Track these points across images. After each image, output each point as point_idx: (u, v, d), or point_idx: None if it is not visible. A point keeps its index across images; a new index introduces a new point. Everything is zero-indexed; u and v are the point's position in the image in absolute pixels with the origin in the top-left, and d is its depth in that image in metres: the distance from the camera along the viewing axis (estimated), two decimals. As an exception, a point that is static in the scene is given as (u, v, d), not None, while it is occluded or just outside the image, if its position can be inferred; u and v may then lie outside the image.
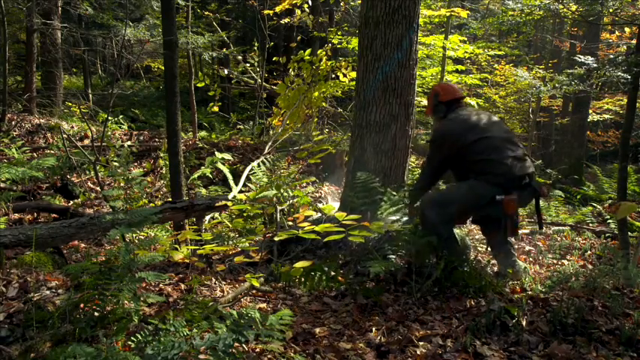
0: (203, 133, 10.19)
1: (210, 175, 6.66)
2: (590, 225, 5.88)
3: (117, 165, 6.18)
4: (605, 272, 3.81)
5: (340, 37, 9.02)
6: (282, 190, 4.01)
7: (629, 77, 3.88)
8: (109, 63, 16.53)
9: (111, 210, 3.95)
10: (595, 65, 4.35)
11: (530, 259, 4.35)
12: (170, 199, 4.50)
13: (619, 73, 4.21)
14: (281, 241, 3.63)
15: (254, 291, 3.06)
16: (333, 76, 7.72)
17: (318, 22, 10.13)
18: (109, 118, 7.93)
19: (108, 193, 3.16)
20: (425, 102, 8.20)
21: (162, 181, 6.85)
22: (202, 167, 6.58)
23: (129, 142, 8.09)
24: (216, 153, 6.27)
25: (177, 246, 2.88)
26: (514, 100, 10.07)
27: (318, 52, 7.54)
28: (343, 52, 9.61)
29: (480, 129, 3.49)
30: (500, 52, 9.53)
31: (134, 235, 4.04)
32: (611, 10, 4.85)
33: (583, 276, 3.79)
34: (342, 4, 8.45)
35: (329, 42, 8.62)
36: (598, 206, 6.30)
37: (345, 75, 7.43)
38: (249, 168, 5.68)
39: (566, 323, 2.62)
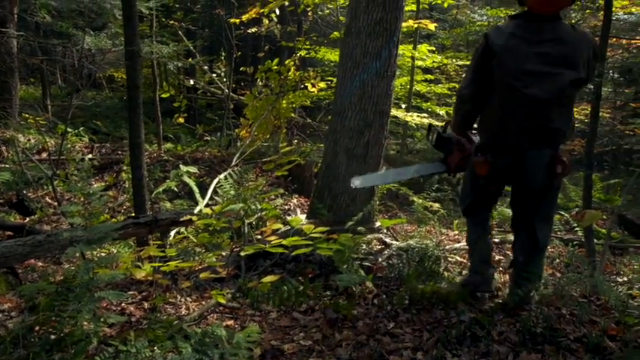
0: (169, 145, 10.07)
1: (176, 189, 6.58)
2: (559, 233, 6.03)
3: (76, 179, 6.05)
4: (573, 280, 3.90)
5: (309, 46, 9.08)
6: (249, 203, 3.99)
7: (591, 87, 4.02)
8: (70, 73, 16.21)
9: (69, 227, 3.85)
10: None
11: (500, 268, 4.43)
12: (133, 214, 4.43)
13: (582, 83, 4.34)
14: (249, 256, 3.60)
15: (221, 307, 3.03)
16: (302, 86, 7.75)
17: (287, 31, 10.19)
18: (69, 130, 7.77)
19: (66, 209, 3.08)
20: (398, 113, 8.29)
21: (125, 195, 6.73)
22: (167, 180, 6.50)
23: (90, 155, 7.93)
24: (181, 166, 6.20)
25: (139, 263, 2.84)
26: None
27: (287, 62, 7.57)
28: (312, 62, 9.66)
29: None
30: (467, 62, 9.74)
31: (95, 253, 3.95)
32: (575, 19, 5.02)
33: (552, 284, 3.88)
34: (309, 13, 8.52)
35: (297, 52, 8.67)
36: (566, 214, 6.46)
37: (313, 85, 7.47)
38: (216, 181, 5.63)
39: (535, 333, 2.67)
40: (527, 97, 2.66)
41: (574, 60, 2.67)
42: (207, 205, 5.25)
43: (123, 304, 3.03)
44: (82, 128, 9.98)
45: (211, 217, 3.23)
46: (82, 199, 5.04)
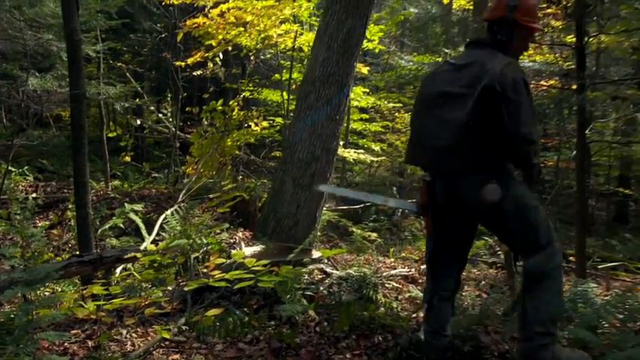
0: (116, 183, 9.73)
1: (122, 226, 6.34)
2: (484, 257, 6.24)
3: (19, 219, 5.72)
4: (497, 300, 4.04)
5: (252, 88, 9.14)
6: (195, 238, 3.90)
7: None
8: (15, 113, 15.49)
9: (9, 268, 3.62)
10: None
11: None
12: (78, 253, 4.23)
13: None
14: (195, 289, 3.50)
15: (167, 342, 2.91)
16: (246, 125, 7.76)
17: (231, 73, 10.22)
18: (12, 169, 7.37)
19: (4, 250, 2.91)
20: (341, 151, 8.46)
21: (70, 234, 6.41)
22: (113, 218, 6.26)
23: (34, 194, 7.54)
24: (126, 204, 6.01)
25: (82, 302, 2.70)
26: (414, 145, 10.59)
27: (231, 102, 7.58)
28: (255, 103, 9.71)
29: None
30: (398, 105, 10.13)
31: (38, 293, 3.73)
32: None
33: (479, 305, 3.99)
34: (252, 58, 8.61)
35: (241, 93, 8.71)
36: (489, 240, 6.71)
37: (256, 124, 7.50)
38: (162, 217, 5.48)
39: (463, 351, 2.72)
40: None
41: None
42: (153, 241, 5.09)
43: (66, 344, 2.85)
44: (26, 167, 9.49)
45: (156, 253, 3.14)
46: (23, 239, 4.77)
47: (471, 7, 9.33)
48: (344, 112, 4.96)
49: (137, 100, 10.16)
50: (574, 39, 4.40)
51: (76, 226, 4.33)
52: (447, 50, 5.43)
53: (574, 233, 5.60)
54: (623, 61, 6.30)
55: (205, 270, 3.68)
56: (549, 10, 4.58)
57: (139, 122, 9.60)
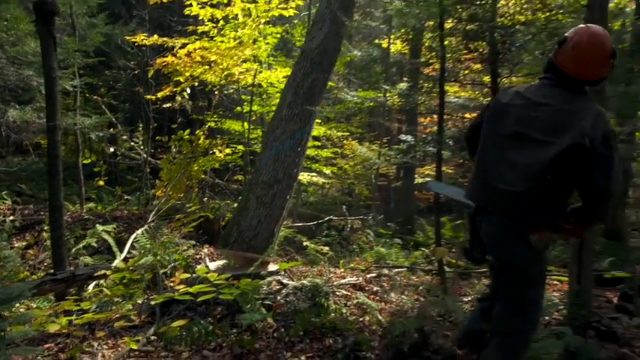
0: (91, 205, 9.34)
1: (95, 245, 6.08)
2: (421, 265, 6.35)
3: (-4, 240, 5.40)
4: (433, 303, 4.12)
5: (216, 119, 9.07)
6: (162, 255, 3.79)
7: (435, 150, 4.40)
8: (-6, 141, 14.69)
9: (-15, 287, 3.40)
10: (413, 142, 4.86)
11: (377, 297, 4.55)
12: (52, 271, 4.02)
13: (429, 148, 4.75)
14: (164, 302, 3.39)
15: (136, 352, 2.80)
16: (211, 152, 7.67)
17: (198, 106, 10.11)
18: (-10, 194, 6.97)
19: (-21, 272, 2.74)
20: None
21: (45, 253, 6.08)
22: (87, 238, 6.01)
23: (11, 217, 7.14)
24: (97, 225, 5.82)
25: (54, 318, 2.57)
26: (361, 169, 10.77)
27: (197, 132, 7.48)
28: (219, 132, 9.63)
29: None
30: (346, 133, 10.32)
31: (13, 310, 3.51)
32: (421, 101, 5.52)
33: (417, 308, 4.05)
34: (216, 92, 8.57)
35: (206, 123, 8.63)
36: (426, 250, 6.85)
37: (220, 151, 7.43)
38: (133, 236, 5.30)
39: (403, 350, 2.76)
40: None
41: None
42: (125, 259, 4.91)
43: (39, 358, 2.70)
44: (5, 192, 8.98)
45: (126, 270, 3.03)
46: None
47: (407, 52, 9.68)
48: (305, 146, 5.30)
49: (111, 129, 9.90)
50: (490, 79, 4.63)
51: (51, 246, 4.12)
52: (386, 87, 5.59)
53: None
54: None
55: (172, 284, 3.58)
56: (468, 56, 4.81)
57: (112, 150, 9.30)
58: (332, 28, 5.32)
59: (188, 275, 2.85)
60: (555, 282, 5.52)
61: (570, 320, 3.32)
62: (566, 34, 2.09)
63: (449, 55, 4.71)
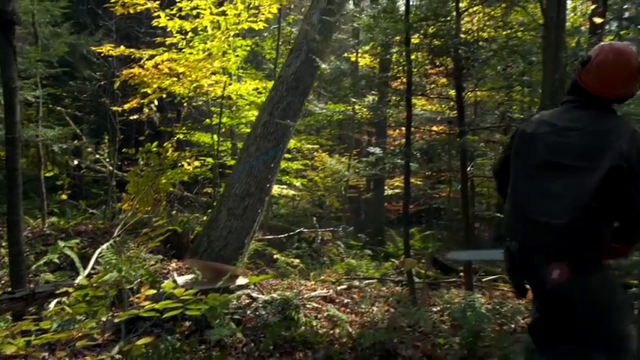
0: (53, 219, 8.99)
1: (57, 261, 5.85)
2: (391, 276, 6.40)
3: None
4: (402, 313, 4.14)
5: (185, 131, 8.95)
6: (128, 270, 3.68)
7: (403, 162, 4.47)
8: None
9: None
10: (381, 154, 4.93)
11: (348, 309, 4.54)
12: (10, 289, 3.83)
13: (398, 160, 4.82)
14: (129, 319, 3.29)
15: (98, 373, 2.69)
16: (180, 164, 7.55)
17: (167, 117, 9.96)
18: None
19: None
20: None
21: (3, 270, 5.80)
22: (48, 254, 5.78)
23: (-34, 233, 6.78)
24: (59, 241, 5.61)
25: (10, 339, 2.44)
26: (331, 181, 10.82)
27: (165, 144, 7.36)
28: (188, 144, 9.50)
29: None
30: (316, 146, 10.37)
31: (-35, 331, 3.31)
32: (390, 114, 5.61)
33: (387, 319, 4.07)
34: (185, 104, 8.48)
35: (175, 135, 8.50)
36: (396, 261, 6.90)
37: (189, 163, 7.32)
38: (98, 251, 5.13)
39: (373, 361, 2.76)
40: None
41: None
42: (89, 275, 4.74)
43: (-7, 382, 2.56)
44: (-41, 207, 8.55)
45: (89, 287, 2.93)
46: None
47: (376, 65, 9.84)
48: (278, 163, 5.54)
49: (76, 141, 9.61)
50: (455, 93, 4.76)
51: (9, 263, 3.94)
52: (355, 100, 5.66)
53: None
54: (492, 112, 6.91)
55: (138, 300, 3.48)
56: (434, 70, 4.94)
57: (76, 162, 9.02)
58: (308, 56, 5.82)
59: (154, 291, 2.78)
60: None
61: (534, 327, 3.40)
62: (589, 53, 2.01)
63: (415, 70, 4.82)
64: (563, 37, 4.11)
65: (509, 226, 2.08)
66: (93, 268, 4.98)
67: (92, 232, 7.32)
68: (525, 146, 2.05)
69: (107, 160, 9.19)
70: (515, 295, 2.10)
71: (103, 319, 3.45)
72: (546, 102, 3.81)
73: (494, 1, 4.62)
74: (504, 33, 4.64)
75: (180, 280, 4.00)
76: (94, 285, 2.80)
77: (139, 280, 4.17)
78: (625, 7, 9.38)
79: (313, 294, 4.73)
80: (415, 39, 4.73)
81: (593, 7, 6.37)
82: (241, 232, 4.87)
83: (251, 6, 6.48)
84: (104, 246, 5.24)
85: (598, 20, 6.10)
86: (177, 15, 6.57)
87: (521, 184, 2.02)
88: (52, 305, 4.06)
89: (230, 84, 7.89)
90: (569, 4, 7.38)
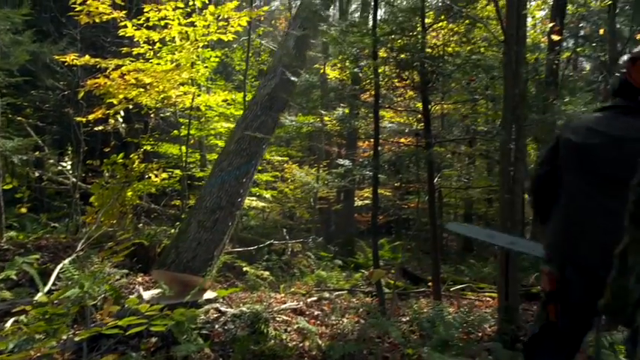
0: (12, 234, 8.61)
1: (16, 277, 5.59)
2: (361, 287, 6.41)
3: None
4: (372, 325, 4.15)
5: (152, 142, 8.79)
6: (91, 286, 3.56)
7: (371, 174, 4.51)
8: None
9: None
10: (350, 166, 4.97)
11: (318, 321, 4.52)
12: (-38, 308, 3.63)
13: (366, 172, 4.87)
14: (92, 337, 3.17)
15: (58, 394, 2.57)
16: (147, 176, 7.39)
17: (134, 128, 9.74)
18: None
19: None
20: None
21: (-44, 289, 5.50)
22: (5, 270, 5.51)
23: None
24: (16, 257, 5.38)
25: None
26: (301, 192, 10.82)
27: (132, 155, 7.20)
28: (156, 155, 9.32)
29: None
30: (286, 158, 10.36)
31: None
32: (359, 126, 5.67)
33: (357, 330, 4.07)
34: (152, 115, 8.33)
35: (142, 147, 8.33)
36: (365, 272, 6.93)
37: (156, 175, 7.18)
38: (59, 266, 4.94)
39: (342, 374, 2.74)
40: None
41: None
42: (50, 292, 4.54)
43: (-59, 408, 2.41)
44: None
45: (49, 304, 2.81)
46: None
47: (346, 78, 9.95)
48: (251, 179, 5.55)
49: (37, 152, 9.27)
50: (422, 106, 4.86)
51: (-38, 281, 3.74)
52: (323, 112, 5.71)
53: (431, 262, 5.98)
54: (457, 124, 7.10)
55: (100, 317, 3.36)
56: (401, 84, 5.04)
57: (37, 174, 8.70)
58: (282, 78, 6.02)
59: (118, 307, 2.69)
60: (488, 298, 5.78)
61: (500, 335, 3.48)
62: (636, 49, 1.80)
63: (383, 83, 4.91)
64: (523, 54, 4.28)
65: (562, 246, 1.87)
66: (54, 285, 4.78)
67: (53, 246, 7.04)
68: (576, 159, 1.84)
69: (70, 171, 8.91)
70: (555, 320, 1.78)
71: (64, 337, 3.31)
72: (507, 115, 3.94)
73: (458, 18, 4.76)
74: (468, 48, 4.78)
75: (147, 294, 3.89)
76: (55, 302, 2.69)
77: (102, 295, 4.04)
78: (580, 25, 9.85)
79: (283, 306, 4.69)
80: (382, 53, 4.83)
81: (551, 24, 6.67)
82: (211, 244, 4.78)
83: (220, 18, 6.45)
84: (66, 261, 5.05)
85: (556, 37, 6.39)
86: (145, 25, 6.47)
87: (579, 201, 1.82)
88: (8, 324, 3.88)
89: (199, 95, 7.82)
90: (529, 22, 7.71)
